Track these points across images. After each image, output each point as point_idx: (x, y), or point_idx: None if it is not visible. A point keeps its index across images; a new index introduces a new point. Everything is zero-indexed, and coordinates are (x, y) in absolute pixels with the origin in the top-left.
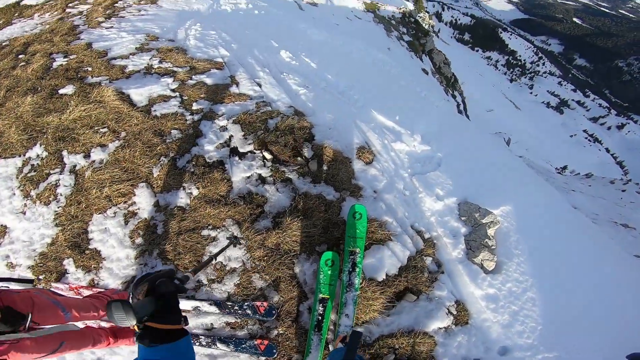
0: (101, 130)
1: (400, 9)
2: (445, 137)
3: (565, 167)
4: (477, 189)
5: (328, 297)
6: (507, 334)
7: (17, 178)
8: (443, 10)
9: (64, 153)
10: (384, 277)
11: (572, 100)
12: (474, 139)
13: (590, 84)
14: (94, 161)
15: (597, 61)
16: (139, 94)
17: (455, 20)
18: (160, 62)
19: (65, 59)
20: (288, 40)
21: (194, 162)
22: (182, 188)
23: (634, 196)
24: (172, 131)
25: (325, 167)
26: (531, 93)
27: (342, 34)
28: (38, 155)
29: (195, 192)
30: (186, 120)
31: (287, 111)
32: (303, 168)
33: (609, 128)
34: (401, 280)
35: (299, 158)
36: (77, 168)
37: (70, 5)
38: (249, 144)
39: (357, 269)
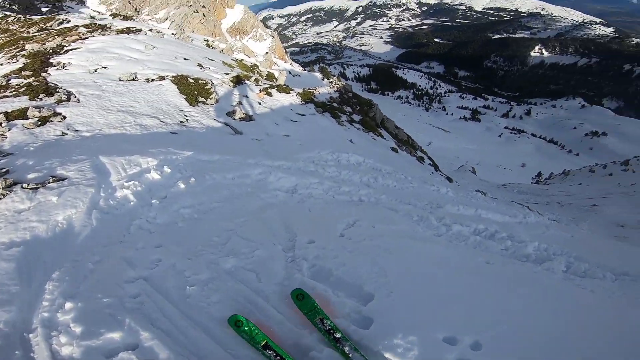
0: None
1: (332, 85)
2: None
3: (540, 174)
4: None
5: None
6: None
7: None
8: (344, 69)
9: None
10: None
11: (479, 106)
12: None
13: (481, 89)
14: None
15: (473, 68)
16: None
17: (358, 74)
18: None
19: None
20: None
21: None
22: None
23: (624, 175)
24: None
25: None
26: (447, 114)
27: (304, 148)
28: None
29: None
30: None
31: None
32: None
33: (521, 117)
34: None
35: None
36: None
37: None
38: None
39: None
